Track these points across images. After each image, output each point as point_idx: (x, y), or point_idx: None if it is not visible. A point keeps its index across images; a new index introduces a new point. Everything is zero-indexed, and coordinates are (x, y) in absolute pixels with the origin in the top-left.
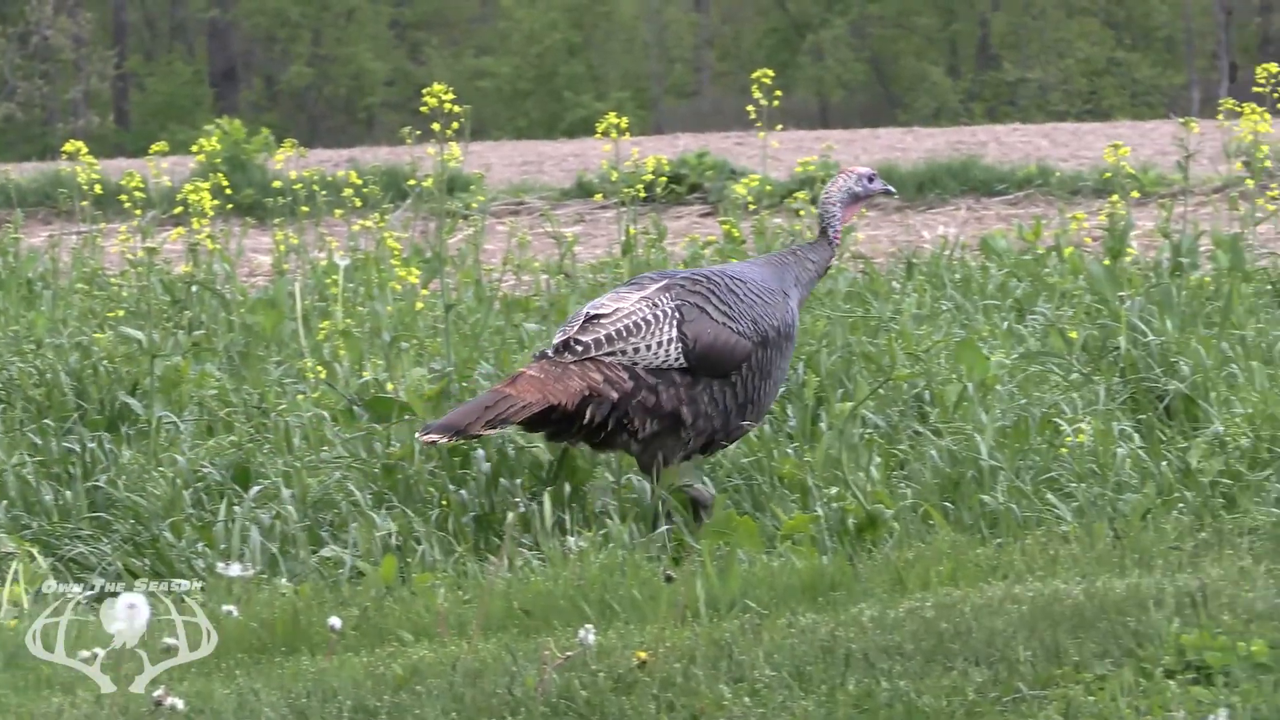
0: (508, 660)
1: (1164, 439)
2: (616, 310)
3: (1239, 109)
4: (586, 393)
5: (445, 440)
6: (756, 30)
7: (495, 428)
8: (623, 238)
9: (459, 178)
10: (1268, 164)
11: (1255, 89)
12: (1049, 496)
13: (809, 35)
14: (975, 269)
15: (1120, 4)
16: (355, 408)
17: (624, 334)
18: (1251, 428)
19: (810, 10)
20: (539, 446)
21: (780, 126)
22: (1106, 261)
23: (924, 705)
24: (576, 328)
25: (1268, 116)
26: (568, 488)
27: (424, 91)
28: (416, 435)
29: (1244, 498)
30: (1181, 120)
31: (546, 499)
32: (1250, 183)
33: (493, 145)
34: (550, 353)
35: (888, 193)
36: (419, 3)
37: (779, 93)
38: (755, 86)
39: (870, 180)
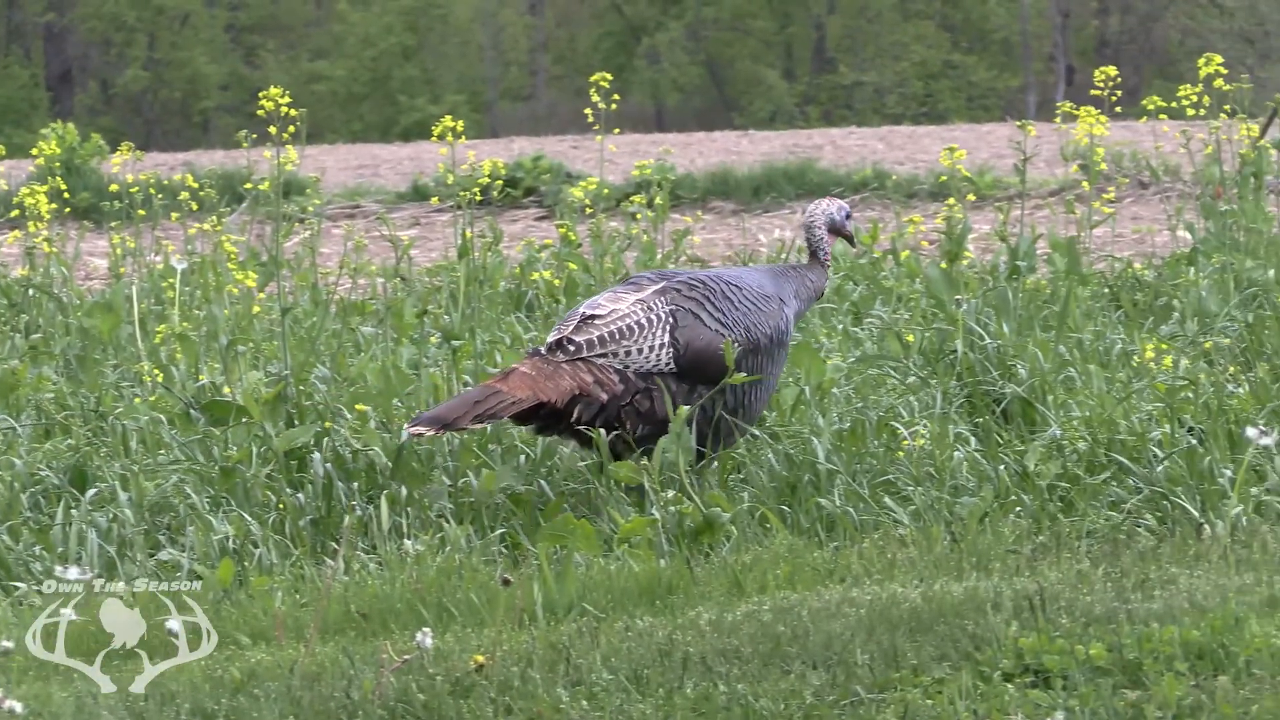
0: (345, 664)
1: (1001, 442)
2: (612, 311)
3: (1076, 112)
4: (576, 392)
5: (432, 432)
6: (592, 33)
7: (483, 422)
8: (459, 241)
9: (295, 181)
10: (1104, 167)
11: (1093, 92)
12: (886, 500)
13: (644, 39)
14: None
15: (956, 7)
16: (192, 411)
17: (617, 336)
18: (1089, 431)
19: (646, 13)
20: (375, 450)
21: (617, 130)
22: (943, 265)
23: (761, 708)
24: (571, 327)
25: (1105, 120)
26: (404, 491)
27: (260, 95)
28: (405, 427)
29: (1081, 501)
30: (1018, 123)
31: (383, 502)
32: (1087, 185)
33: (328, 149)
34: (543, 350)
35: (850, 240)
36: (254, 7)
37: (616, 96)
38: (593, 90)
39: (847, 216)
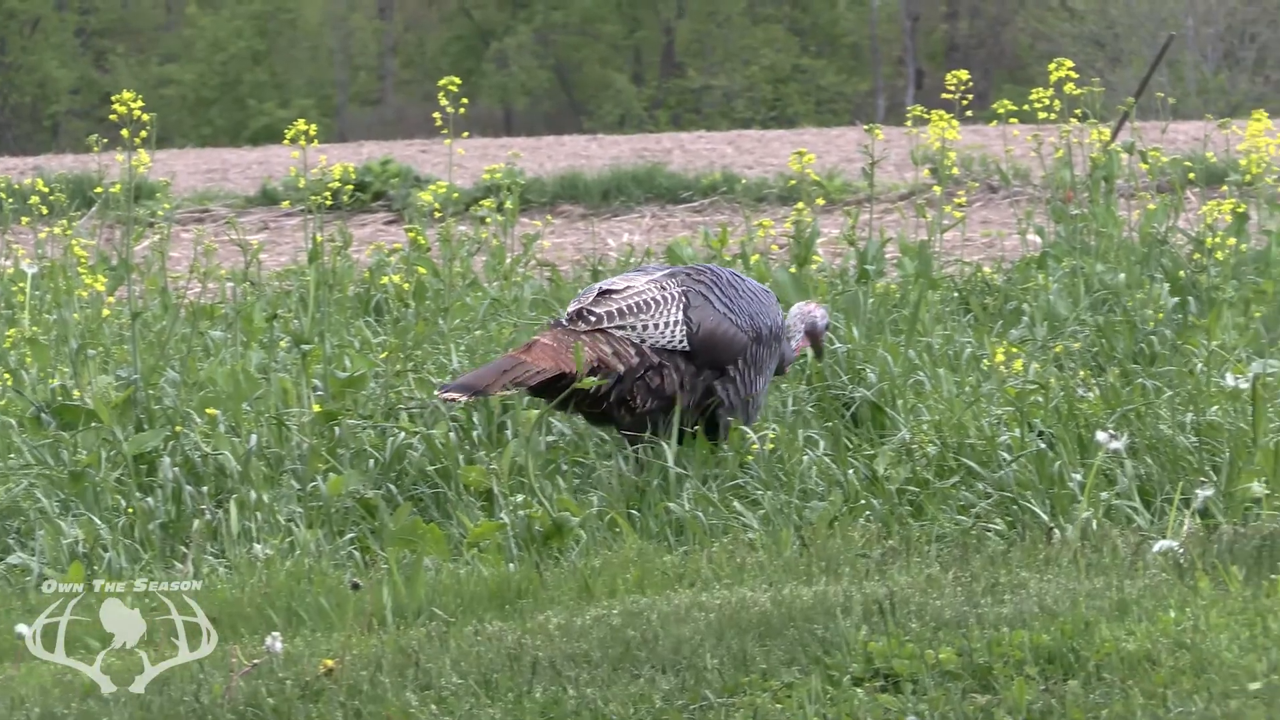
0: (195, 668)
1: (851, 446)
2: (628, 288)
3: (926, 116)
4: (595, 363)
5: (464, 399)
6: (441, 37)
7: (510, 390)
8: (308, 246)
9: (145, 185)
10: (955, 171)
11: (943, 95)
12: (735, 504)
13: (493, 42)
14: None
15: (805, 11)
16: (42, 415)
17: (634, 310)
18: (938, 435)
19: (495, 17)
20: (225, 455)
21: (466, 134)
22: (793, 269)
23: (611, 712)
24: (591, 299)
25: (955, 123)
26: (254, 495)
27: (113, 99)
28: (435, 393)
29: (931, 505)
30: (867, 127)
31: (233, 506)
32: (937, 189)
33: (178, 153)
34: (564, 321)
35: (819, 353)
36: (104, 11)
37: (465, 100)
38: (442, 94)
39: (826, 326)
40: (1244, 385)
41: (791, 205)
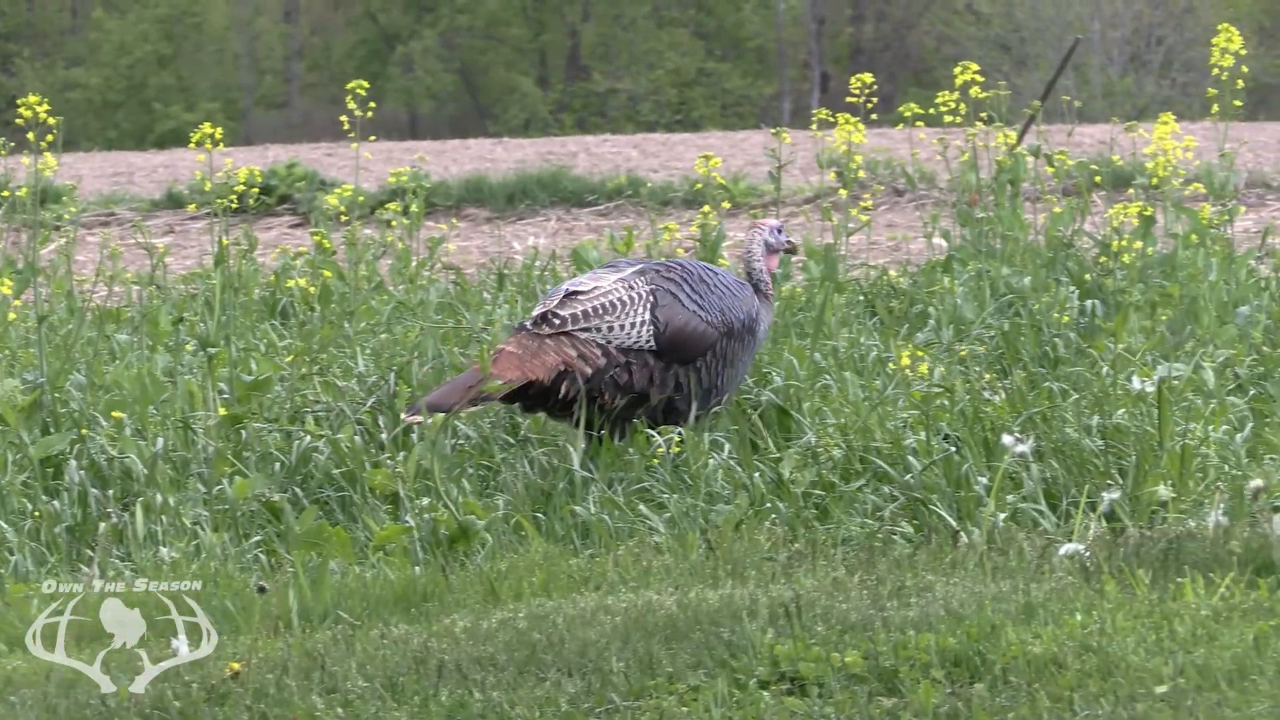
0: (101, 669)
1: (757, 450)
2: (595, 288)
3: (832, 119)
4: (562, 368)
5: (428, 420)
6: (346, 41)
7: (477, 405)
8: (214, 249)
9: (51, 189)
10: (860, 174)
11: (849, 99)
12: (641, 507)
13: (399, 46)
14: (566, 280)
15: (710, 15)
16: None
17: (600, 311)
18: (844, 438)
19: (400, 21)
20: (131, 458)
21: (372, 137)
22: None
23: (517, 715)
24: (556, 301)
25: (861, 127)
26: (160, 498)
27: (18, 102)
28: (402, 415)
29: (837, 508)
30: (773, 130)
31: (139, 509)
32: (843, 193)
33: (83, 156)
34: (529, 325)
35: (790, 248)
36: (9, 15)
37: (372, 104)
38: (349, 97)
39: (779, 232)
40: (1150, 389)
41: (697, 208)
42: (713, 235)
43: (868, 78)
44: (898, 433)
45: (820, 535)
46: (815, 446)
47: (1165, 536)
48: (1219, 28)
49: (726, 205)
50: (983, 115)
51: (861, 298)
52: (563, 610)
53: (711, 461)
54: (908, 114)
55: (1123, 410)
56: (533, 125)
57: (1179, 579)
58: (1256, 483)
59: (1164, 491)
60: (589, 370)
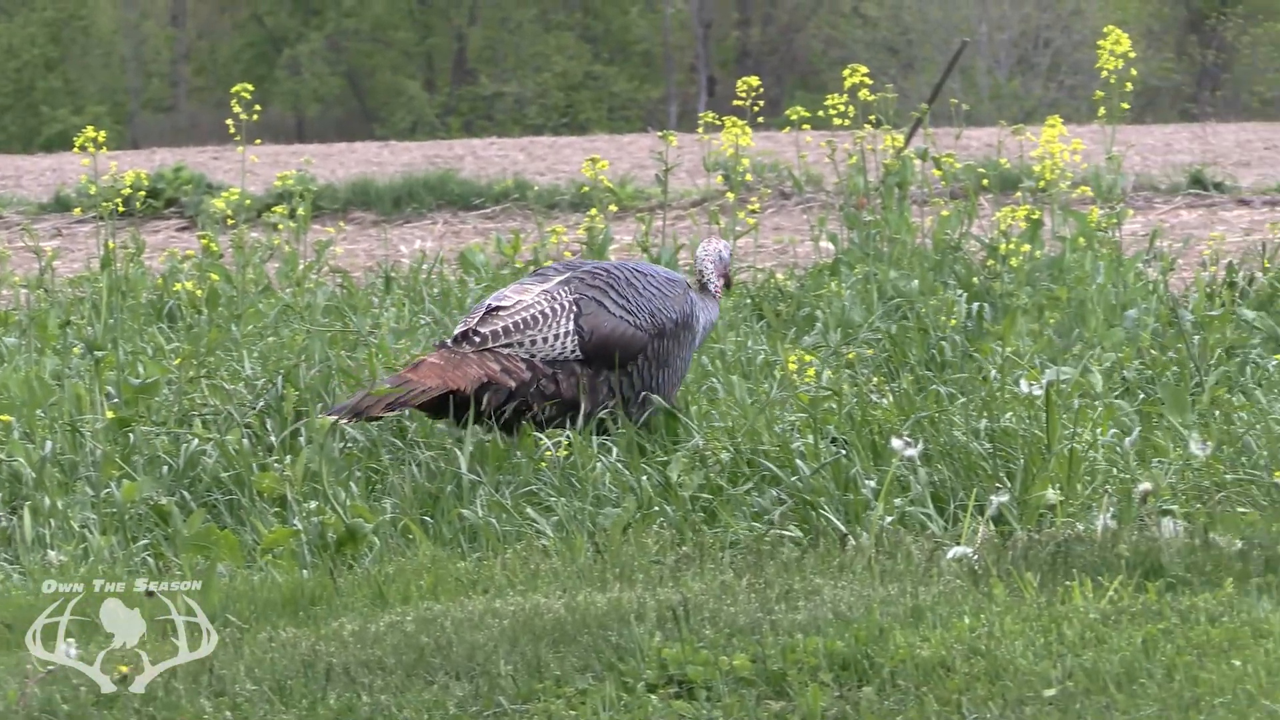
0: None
1: (644, 453)
2: (517, 303)
3: (719, 122)
4: (484, 380)
5: (346, 421)
6: (233, 45)
7: (394, 410)
8: (101, 252)
9: None
10: (748, 177)
11: (735, 102)
12: (529, 511)
13: (285, 49)
14: (454, 283)
15: (597, 19)
16: None
17: (521, 326)
18: (732, 442)
19: (287, 25)
20: (19, 461)
21: (259, 141)
22: None
23: (405, 719)
24: (477, 319)
25: (748, 130)
26: (48, 501)
27: None
28: (320, 415)
29: (725, 511)
30: (660, 134)
31: (26, 513)
32: (730, 196)
33: None
34: (450, 342)
35: (728, 284)
36: None
37: (259, 107)
38: (235, 101)
39: (728, 254)
40: (1038, 392)
41: (584, 212)
42: (600, 238)
43: (754, 81)
44: (785, 436)
45: (708, 538)
46: (703, 450)
47: (1053, 540)
48: (1106, 30)
49: (614, 208)
50: (871, 118)
51: (749, 301)
52: (450, 613)
53: (599, 465)
54: (795, 117)
55: (1011, 414)
56: (419, 128)
57: (1067, 582)
58: (1145, 486)
59: (1052, 495)
60: (512, 384)
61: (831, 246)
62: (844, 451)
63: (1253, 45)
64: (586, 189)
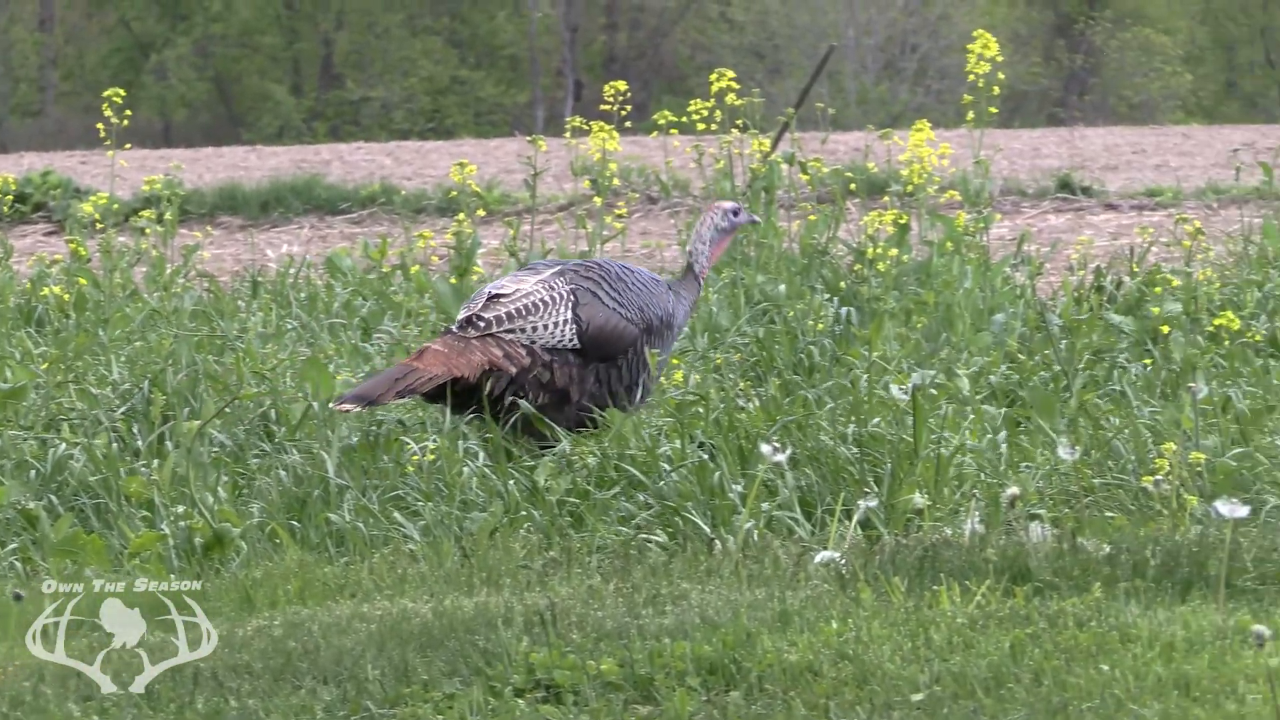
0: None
1: (511, 457)
2: (516, 290)
3: (586, 126)
4: (487, 366)
5: (357, 409)
6: (101, 49)
7: (403, 397)
8: None
9: None
10: (615, 182)
11: (602, 107)
12: (396, 515)
13: (153, 54)
14: (321, 287)
15: (464, 23)
16: None
17: (523, 312)
18: (599, 446)
19: (154, 29)
20: None
21: (127, 145)
22: (453, 279)
23: None
24: (479, 305)
25: (615, 134)
26: None
27: None
28: (331, 405)
29: (592, 516)
30: (529, 138)
31: None
32: (598, 200)
33: None
34: (455, 329)
35: (754, 223)
36: None
37: (129, 112)
38: (106, 105)
39: (735, 214)
40: (905, 396)
41: (451, 216)
42: (468, 243)
43: (621, 85)
44: (653, 441)
45: (576, 543)
46: (570, 454)
47: (921, 544)
48: (974, 34)
49: (481, 213)
50: (738, 122)
51: None
52: (318, 618)
53: (466, 469)
54: (662, 121)
55: (878, 418)
56: (286, 133)
57: (935, 587)
58: (1012, 491)
59: (919, 499)
60: (514, 370)
61: None
62: (710, 456)
63: (1120, 50)
64: (454, 193)
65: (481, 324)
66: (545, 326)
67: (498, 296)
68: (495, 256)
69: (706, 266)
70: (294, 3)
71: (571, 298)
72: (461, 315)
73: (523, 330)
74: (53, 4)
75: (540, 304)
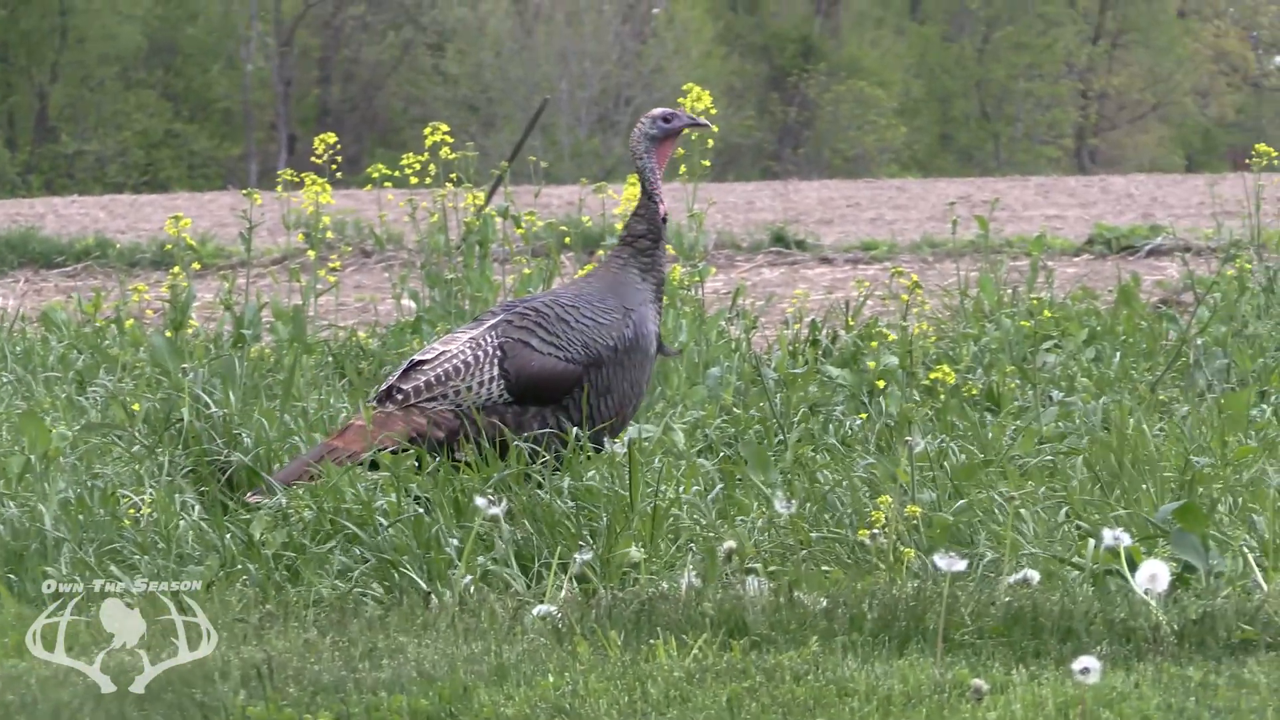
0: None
1: (227, 511)
2: (439, 355)
3: (299, 180)
4: (413, 435)
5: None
6: None
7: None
8: None
9: None
10: (329, 235)
11: (314, 159)
12: (113, 568)
13: None
14: (36, 341)
15: (179, 76)
16: None
17: (443, 379)
18: (315, 500)
19: None
20: None
21: None
22: (169, 333)
23: None
24: (398, 376)
25: (329, 188)
26: None
27: None
28: (245, 497)
29: (308, 570)
30: (244, 191)
31: None
32: (311, 254)
33: None
34: (374, 401)
35: (696, 125)
36: None
37: None
38: None
39: (667, 120)
40: (620, 450)
41: (166, 270)
42: (183, 296)
43: (331, 138)
44: (369, 494)
45: (292, 597)
46: (286, 508)
47: (638, 598)
48: (687, 88)
49: (196, 266)
50: (452, 176)
51: (331, 359)
52: (35, 671)
53: (182, 523)
54: (375, 175)
55: (594, 471)
56: (0, 187)
57: (652, 640)
58: (729, 544)
59: (635, 553)
60: (442, 434)
61: (413, 304)
62: (426, 509)
63: (835, 103)
64: (169, 247)
65: (400, 396)
66: (469, 387)
67: (420, 363)
68: (210, 310)
69: (657, 182)
70: (8, 55)
71: (499, 353)
72: (382, 386)
73: (444, 396)
74: None
75: (463, 365)
